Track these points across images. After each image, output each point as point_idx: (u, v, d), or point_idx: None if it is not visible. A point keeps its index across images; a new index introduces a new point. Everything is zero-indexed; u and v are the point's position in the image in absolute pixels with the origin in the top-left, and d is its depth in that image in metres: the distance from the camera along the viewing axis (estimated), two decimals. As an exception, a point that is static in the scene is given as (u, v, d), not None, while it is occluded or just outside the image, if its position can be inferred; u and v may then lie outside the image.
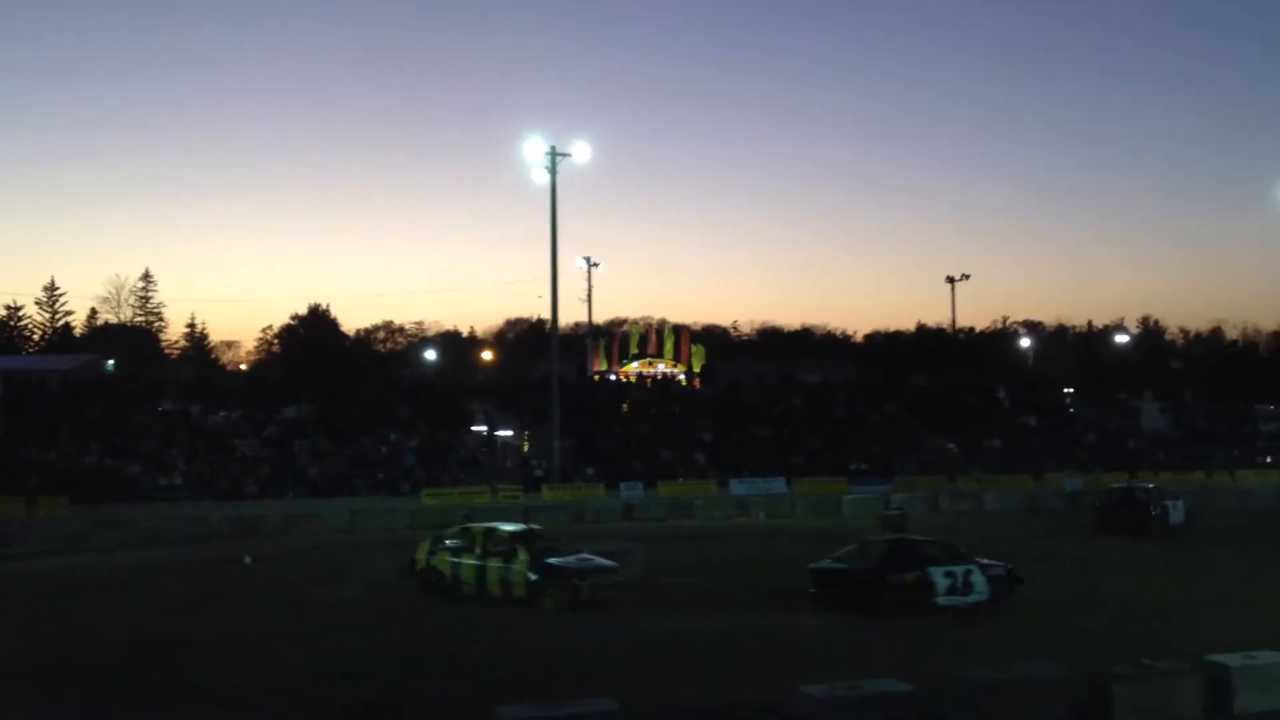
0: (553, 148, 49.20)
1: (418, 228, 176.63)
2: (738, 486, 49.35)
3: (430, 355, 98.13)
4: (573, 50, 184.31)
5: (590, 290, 75.04)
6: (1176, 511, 36.65)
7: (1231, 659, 15.47)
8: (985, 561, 23.28)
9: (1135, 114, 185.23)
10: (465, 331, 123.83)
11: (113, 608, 24.17)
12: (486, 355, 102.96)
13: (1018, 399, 66.90)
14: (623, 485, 48.19)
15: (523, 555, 23.52)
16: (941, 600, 22.19)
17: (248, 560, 31.14)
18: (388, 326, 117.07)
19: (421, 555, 25.06)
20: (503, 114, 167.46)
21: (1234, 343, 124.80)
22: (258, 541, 35.83)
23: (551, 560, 23.51)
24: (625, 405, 60.10)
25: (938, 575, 22.30)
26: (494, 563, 23.76)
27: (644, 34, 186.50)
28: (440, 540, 24.99)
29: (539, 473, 50.24)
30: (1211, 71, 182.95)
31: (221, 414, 53.63)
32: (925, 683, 14.62)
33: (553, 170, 49.12)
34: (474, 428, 57.56)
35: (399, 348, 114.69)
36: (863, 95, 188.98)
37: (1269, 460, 59.98)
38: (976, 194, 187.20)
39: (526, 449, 55.70)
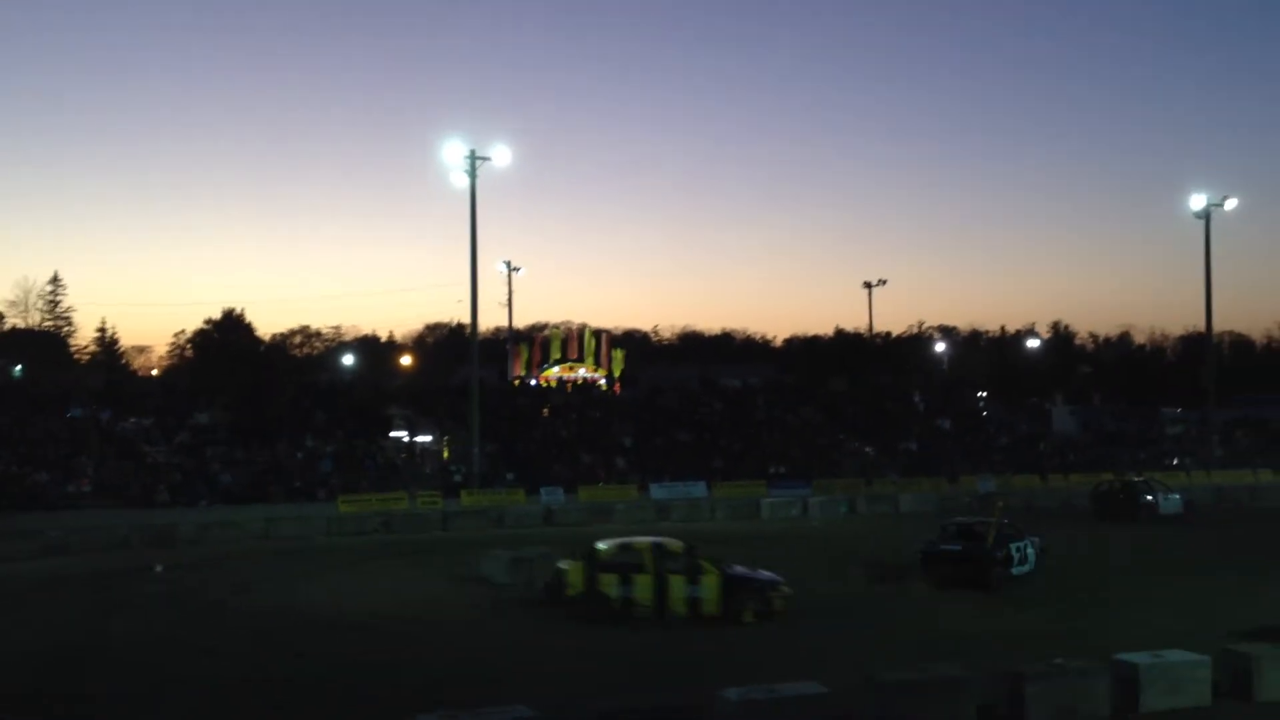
0: (472, 151, 48.90)
1: (336, 232, 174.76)
2: (658, 491, 49.42)
3: (348, 360, 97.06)
4: (493, 53, 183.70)
5: (511, 295, 74.73)
6: (1170, 503, 42.55)
7: (1139, 658, 15.84)
8: (1032, 537, 27.89)
9: (1047, 123, 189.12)
10: (384, 336, 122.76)
11: (16, 619, 23.56)
12: (405, 360, 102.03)
13: (933, 403, 67.83)
14: (543, 490, 48.01)
15: (711, 570, 22.67)
16: (1015, 570, 26.55)
17: (158, 569, 30.55)
18: (304, 331, 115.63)
19: (576, 578, 22.76)
20: (422, 117, 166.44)
21: (1142, 347, 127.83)
22: (169, 550, 35.14)
23: (736, 573, 22.95)
24: (546, 410, 59.92)
25: (1013, 550, 26.69)
26: (676, 580, 22.46)
27: (565, 38, 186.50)
28: (597, 560, 22.81)
29: (458, 478, 49.86)
30: (1122, 82, 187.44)
31: (132, 420, 52.49)
32: (839, 685, 14.77)
33: (472, 174, 48.83)
34: (392, 433, 56.98)
35: (315, 353, 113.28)
36: (782, 101, 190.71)
37: (1174, 462, 61.42)
38: (894, 201, 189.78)
39: (446, 454, 55.28)
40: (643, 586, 22.30)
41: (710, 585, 22.39)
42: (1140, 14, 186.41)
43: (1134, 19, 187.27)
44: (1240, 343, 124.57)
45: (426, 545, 35.88)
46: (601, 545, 23.44)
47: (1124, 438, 65.25)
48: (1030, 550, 27.41)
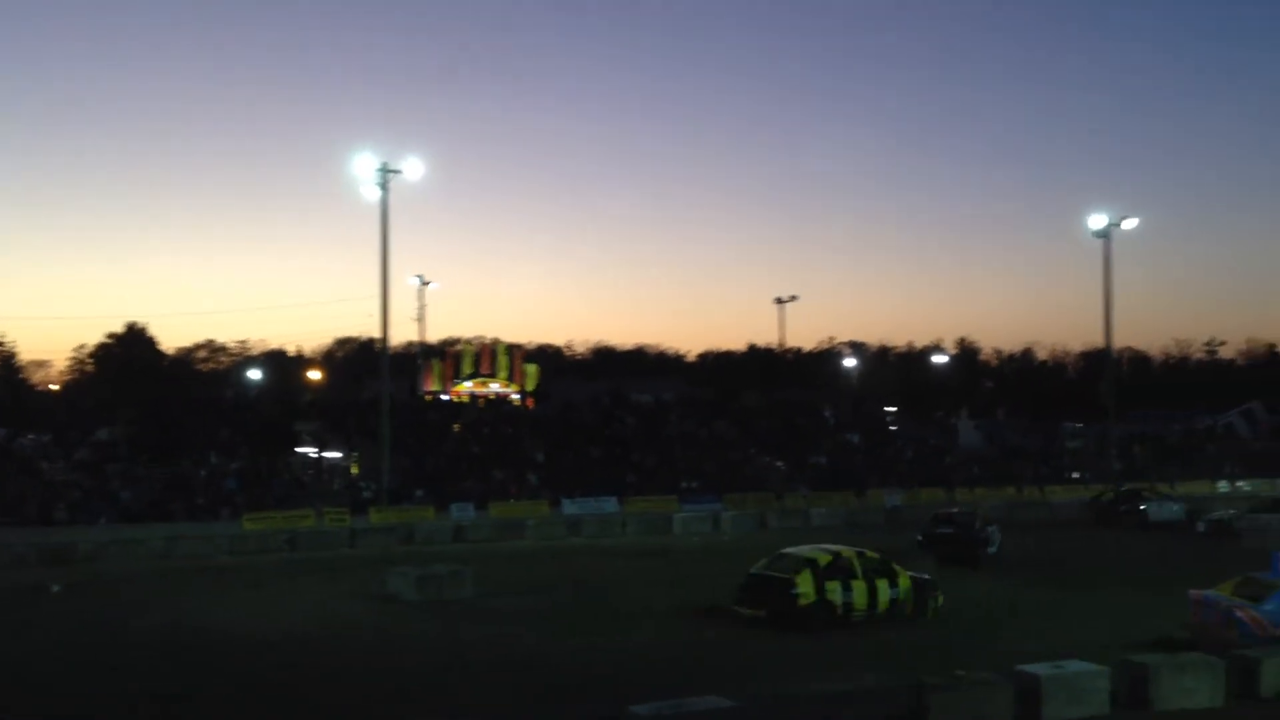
0: (384, 164, 48.45)
1: (244, 245, 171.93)
2: (570, 506, 49.31)
3: (254, 375, 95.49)
4: (406, 66, 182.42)
5: (422, 309, 74.24)
6: (1166, 511, 44.66)
7: (1041, 669, 16.15)
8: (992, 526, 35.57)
9: (955, 144, 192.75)
10: (292, 351, 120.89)
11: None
12: (314, 375, 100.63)
13: (843, 417, 68.63)
14: (453, 506, 47.62)
15: (903, 573, 24.28)
16: (990, 550, 34.18)
17: (55, 589, 29.75)
18: (209, 345, 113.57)
19: (808, 588, 22.95)
20: (333, 129, 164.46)
21: (1044, 363, 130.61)
22: (67, 569, 34.19)
23: (918, 575, 24.88)
24: (457, 425, 59.52)
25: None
26: (881, 584, 23.72)
27: (477, 51, 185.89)
28: (824, 571, 23.28)
29: (367, 495, 49.26)
30: (1026, 105, 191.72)
31: (30, 436, 51.17)
32: (749, 699, 14.86)
33: (384, 187, 48.37)
34: (300, 450, 56.18)
35: (221, 367, 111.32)
36: (694, 116, 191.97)
37: (1075, 476, 62.89)
38: (805, 218, 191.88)
39: (355, 471, 54.62)
40: (859, 592, 23.45)
41: (905, 587, 24.05)
42: (1043, 37, 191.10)
43: (1038, 41, 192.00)
44: (1138, 359, 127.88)
45: (333, 563, 35.40)
46: (811, 553, 24.28)
47: (1027, 452, 66.57)
48: (996, 536, 35.07)
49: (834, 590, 23.14)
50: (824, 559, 23.80)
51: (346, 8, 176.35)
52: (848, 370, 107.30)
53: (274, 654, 21.00)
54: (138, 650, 21.46)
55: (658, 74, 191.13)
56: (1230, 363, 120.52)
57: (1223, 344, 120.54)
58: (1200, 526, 41.78)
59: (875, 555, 24.59)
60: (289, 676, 19.09)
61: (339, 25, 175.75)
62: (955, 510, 38.49)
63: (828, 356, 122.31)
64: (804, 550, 24.84)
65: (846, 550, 24.52)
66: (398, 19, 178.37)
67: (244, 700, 17.23)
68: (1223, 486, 60.56)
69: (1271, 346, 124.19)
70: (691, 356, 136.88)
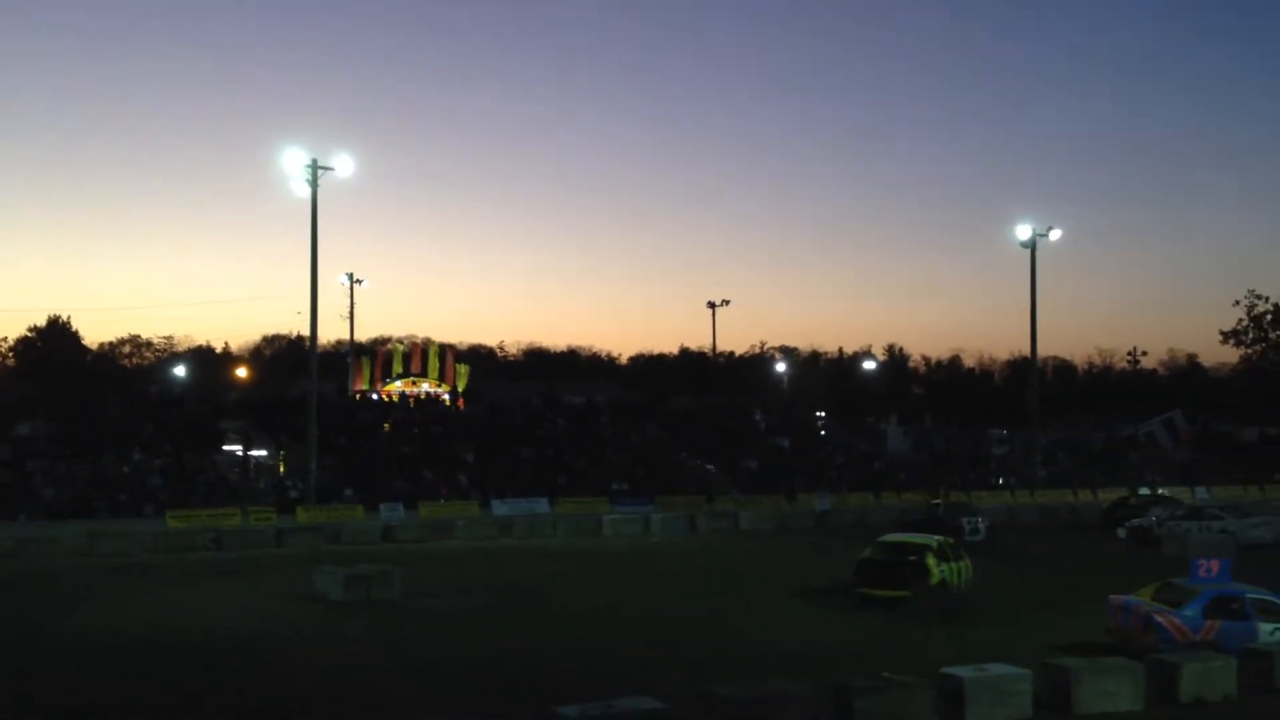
0: (314, 160, 47.93)
1: (170, 239, 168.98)
2: (500, 507, 49.10)
3: (180, 372, 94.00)
4: (337, 61, 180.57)
5: (352, 307, 73.45)
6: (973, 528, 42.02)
7: (965, 671, 16.34)
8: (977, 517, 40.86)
9: (885, 153, 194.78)
10: (219, 348, 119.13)
11: None
12: (241, 372, 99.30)
13: (773, 421, 69.01)
14: (382, 506, 47.20)
15: (965, 556, 28.21)
16: (969, 538, 37.22)
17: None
18: (134, 341, 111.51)
19: (936, 570, 26.17)
20: (263, 125, 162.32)
21: (971, 371, 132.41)
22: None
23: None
24: (387, 425, 59.03)
25: (966, 523, 39.37)
26: (963, 565, 27.60)
27: (410, 47, 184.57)
28: (938, 554, 26.69)
29: (294, 494, 48.69)
30: (956, 116, 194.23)
31: (-54, 431, 49.95)
32: (675, 700, 14.89)
33: (313, 183, 47.86)
34: (226, 447, 55.40)
35: (146, 363, 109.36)
36: (630, 119, 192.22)
37: (1000, 481, 63.79)
38: (737, 223, 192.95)
39: (282, 469, 53.98)
40: (953, 572, 26.94)
41: (968, 566, 27.89)
42: (972, 49, 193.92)
43: (967, 54, 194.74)
44: (1063, 368, 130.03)
45: (259, 562, 34.94)
46: (923, 540, 27.84)
47: (954, 457, 67.38)
48: (981, 525, 39.61)
49: (947, 571, 26.63)
50: (934, 544, 27.37)
51: (281, 3, 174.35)
52: (779, 375, 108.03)
53: (195, 655, 20.66)
54: (52, 654, 20.99)
55: (592, 76, 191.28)
56: (1152, 372, 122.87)
57: (1144, 354, 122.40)
58: (1121, 533, 42.55)
59: (951, 541, 28.90)
60: (210, 678, 18.81)
61: (269, 19, 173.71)
62: (936, 503, 43.58)
63: (759, 361, 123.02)
64: (913, 537, 28.81)
65: (939, 538, 28.50)
66: (329, 14, 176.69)
67: (160, 706, 16.89)
68: (1144, 494, 61.68)
69: (1192, 357, 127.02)
70: (624, 359, 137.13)
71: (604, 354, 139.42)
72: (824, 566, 34.76)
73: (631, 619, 24.90)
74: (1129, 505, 48.22)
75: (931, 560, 26.22)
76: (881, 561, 26.85)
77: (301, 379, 60.34)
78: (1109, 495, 57.14)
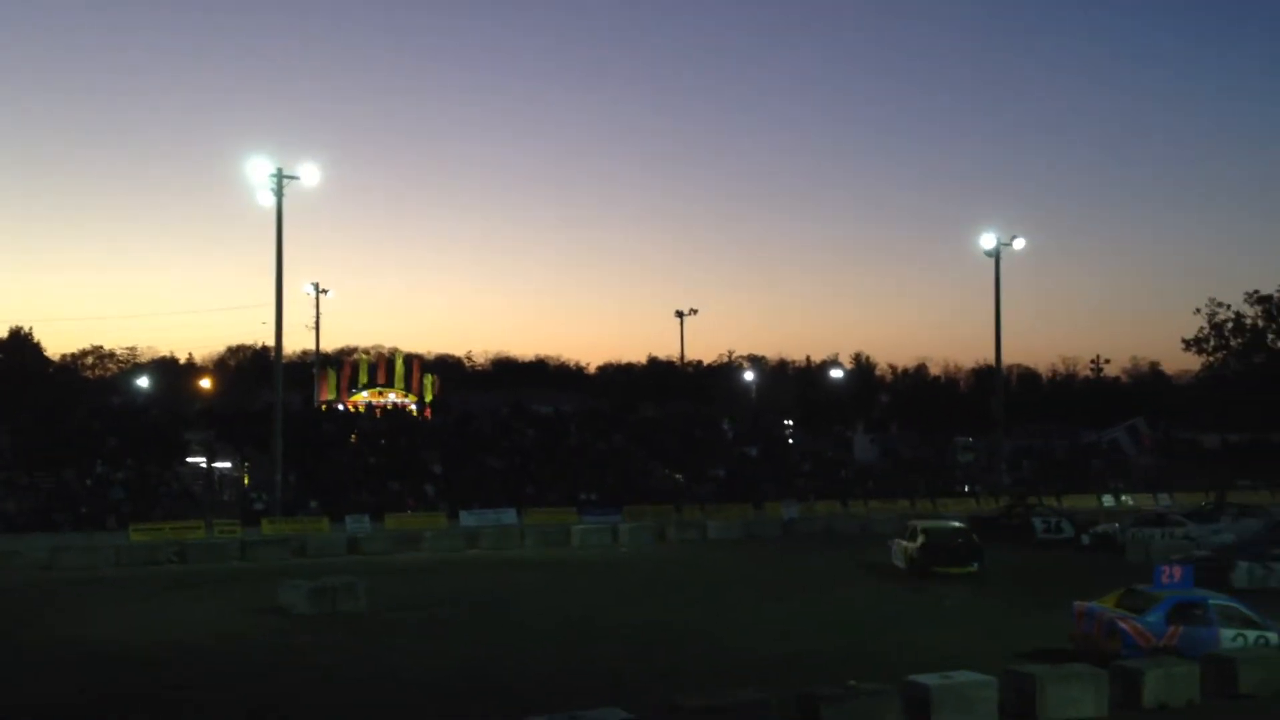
0: (279, 169, 47.72)
1: (134, 250, 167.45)
2: (468, 518, 48.90)
3: (143, 383, 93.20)
4: (304, 72, 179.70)
5: (318, 317, 73.15)
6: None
7: (930, 679, 16.40)
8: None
9: (852, 163, 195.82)
10: (183, 358, 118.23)
11: None
12: (205, 383, 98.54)
13: (741, 430, 69.13)
14: (348, 518, 46.90)
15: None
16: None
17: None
18: (97, 352, 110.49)
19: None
20: (229, 134, 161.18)
21: (937, 379, 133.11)
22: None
23: None
24: (353, 436, 58.71)
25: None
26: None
27: (377, 57, 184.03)
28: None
29: (259, 506, 48.32)
30: (921, 127, 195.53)
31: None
32: (643, 710, 14.87)
33: (279, 193, 47.64)
34: (190, 459, 54.95)
35: (109, 374, 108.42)
36: (597, 129, 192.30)
37: (966, 489, 64.13)
38: (705, 232, 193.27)
39: (246, 481, 53.57)
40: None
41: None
42: (938, 61, 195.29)
43: (933, 66, 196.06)
44: (1027, 376, 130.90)
45: (223, 575, 34.64)
46: (960, 524, 36.64)
47: (920, 465, 67.69)
48: (1065, 525, 43.94)
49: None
50: (967, 528, 35.96)
51: (246, 11, 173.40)
52: (747, 384, 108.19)
53: (159, 669, 20.47)
54: (9, 668, 20.73)
55: (559, 85, 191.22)
56: (1115, 380, 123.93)
57: (1108, 362, 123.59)
58: (1085, 540, 42.83)
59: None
60: (174, 694, 18.63)
61: (234, 28, 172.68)
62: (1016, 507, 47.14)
63: (727, 370, 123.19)
64: (952, 522, 37.49)
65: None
66: (295, 23, 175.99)
67: None
68: (1108, 501, 62.22)
69: (1154, 365, 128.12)
70: (592, 369, 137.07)
71: (572, 363, 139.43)
72: (793, 574, 34.92)
73: (600, 629, 24.87)
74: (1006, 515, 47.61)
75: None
76: (943, 545, 33.61)
77: (266, 390, 59.98)
78: (1072, 503, 57.63)
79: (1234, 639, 19.80)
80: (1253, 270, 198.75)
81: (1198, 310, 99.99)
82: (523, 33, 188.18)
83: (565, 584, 32.85)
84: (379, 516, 47.81)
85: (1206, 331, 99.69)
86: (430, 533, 44.31)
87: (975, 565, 33.14)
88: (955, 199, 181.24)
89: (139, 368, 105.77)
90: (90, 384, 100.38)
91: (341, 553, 41.06)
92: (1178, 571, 21.24)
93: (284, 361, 51.81)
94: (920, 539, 33.91)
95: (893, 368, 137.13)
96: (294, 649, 22.59)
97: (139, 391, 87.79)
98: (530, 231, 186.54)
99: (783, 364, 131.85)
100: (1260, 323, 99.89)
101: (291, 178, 47.87)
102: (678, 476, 59.57)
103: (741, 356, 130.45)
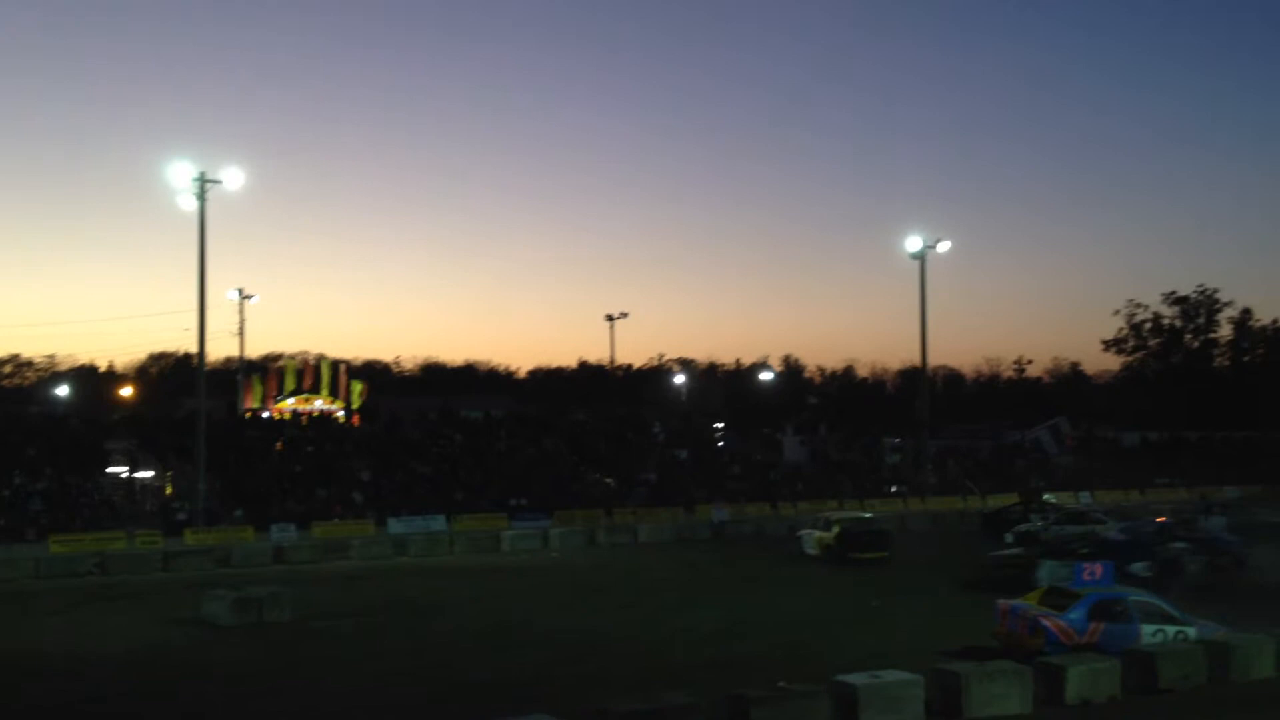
0: (202, 173, 46.93)
1: (52, 256, 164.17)
2: (396, 525, 48.39)
3: (62, 391, 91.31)
4: (227, 75, 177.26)
5: (242, 324, 72.06)
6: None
7: (858, 678, 16.53)
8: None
9: (779, 166, 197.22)
10: (103, 366, 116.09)
11: None
12: (127, 391, 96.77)
13: (671, 433, 69.22)
14: (274, 527, 46.22)
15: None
16: None
17: None
18: (14, 360, 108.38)
19: None
20: (150, 137, 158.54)
21: (864, 380, 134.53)
22: None
23: None
24: (279, 444, 57.88)
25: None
26: None
27: (301, 58, 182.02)
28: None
29: (182, 516, 47.45)
30: (849, 130, 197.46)
31: None
32: (573, 716, 14.83)
33: (201, 197, 46.85)
34: (111, 469, 53.87)
35: (27, 383, 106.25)
36: (526, 131, 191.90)
37: (893, 490, 64.73)
38: (635, 235, 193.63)
39: (169, 491, 52.62)
40: None
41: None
42: (866, 66, 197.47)
43: (861, 70, 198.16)
44: (952, 377, 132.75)
45: (146, 587, 34.00)
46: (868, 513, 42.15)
47: (848, 466, 68.25)
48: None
49: None
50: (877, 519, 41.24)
51: (165, 14, 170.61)
52: (677, 387, 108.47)
53: (75, 682, 20.02)
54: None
55: (487, 87, 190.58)
56: (1038, 380, 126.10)
57: (1030, 363, 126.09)
58: (1009, 538, 43.42)
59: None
60: (89, 706, 18.26)
61: (155, 32, 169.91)
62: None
63: (657, 373, 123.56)
64: (863, 514, 42.65)
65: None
66: (216, 26, 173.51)
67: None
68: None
69: (1075, 365, 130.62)
70: (522, 373, 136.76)
71: (502, 368, 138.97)
72: (723, 577, 35.04)
73: (530, 635, 24.76)
74: (1012, 510, 48.88)
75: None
76: (852, 532, 37.59)
77: (190, 398, 59.02)
78: (997, 501, 58.42)
79: (1154, 634, 20.19)
80: (1171, 271, 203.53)
81: (1117, 311, 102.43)
82: (449, 35, 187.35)
83: (495, 590, 32.66)
84: (306, 525, 47.18)
85: (1125, 332, 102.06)
86: (358, 540, 43.84)
87: (886, 552, 37.21)
88: (883, 202, 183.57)
89: (58, 376, 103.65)
90: (7, 393, 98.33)
91: (267, 562, 40.46)
92: (1098, 569, 21.61)
93: (207, 368, 51.00)
94: (835, 529, 38.22)
95: (821, 370, 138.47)
96: (216, 660, 22.22)
97: (58, 400, 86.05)
98: (459, 235, 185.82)
99: (713, 367, 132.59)
100: (1178, 323, 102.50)
101: (214, 182, 47.12)
102: (608, 480, 59.50)
103: (672, 360, 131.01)
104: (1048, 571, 29.51)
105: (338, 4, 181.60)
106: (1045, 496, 53.71)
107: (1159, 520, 39.41)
